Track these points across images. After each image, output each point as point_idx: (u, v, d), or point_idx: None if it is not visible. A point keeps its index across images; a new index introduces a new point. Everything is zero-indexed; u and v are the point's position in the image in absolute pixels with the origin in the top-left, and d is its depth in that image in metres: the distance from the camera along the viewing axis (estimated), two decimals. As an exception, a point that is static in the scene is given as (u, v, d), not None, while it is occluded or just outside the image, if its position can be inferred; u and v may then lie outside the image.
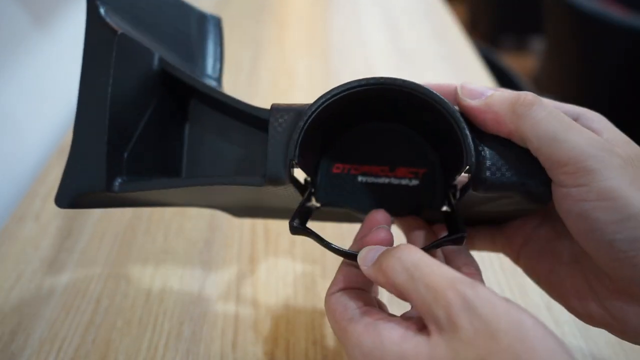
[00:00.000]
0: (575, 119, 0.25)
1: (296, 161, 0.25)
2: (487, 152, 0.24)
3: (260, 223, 0.45)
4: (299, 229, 0.25)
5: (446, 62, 0.72)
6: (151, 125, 0.29)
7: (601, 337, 0.36)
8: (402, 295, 0.22)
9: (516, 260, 0.30)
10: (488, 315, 0.19)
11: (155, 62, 0.29)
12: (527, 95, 0.23)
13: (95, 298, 0.38)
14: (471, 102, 0.25)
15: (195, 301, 0.38)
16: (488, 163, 0.24)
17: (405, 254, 0.22)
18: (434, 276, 0.20)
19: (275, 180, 0.25)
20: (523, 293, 0.39)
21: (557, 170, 0.22)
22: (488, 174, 0.24)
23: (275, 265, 0.41)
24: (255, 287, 0.40)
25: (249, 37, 0.78)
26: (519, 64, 1.79)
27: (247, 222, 0.45)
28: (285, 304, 0.38)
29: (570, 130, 0.22)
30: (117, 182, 0.27)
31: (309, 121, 0.25)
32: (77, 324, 0.37)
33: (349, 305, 0.24)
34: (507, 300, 0.20)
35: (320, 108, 0.25)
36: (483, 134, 0.24)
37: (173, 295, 0.39)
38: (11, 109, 0.52)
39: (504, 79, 0.76)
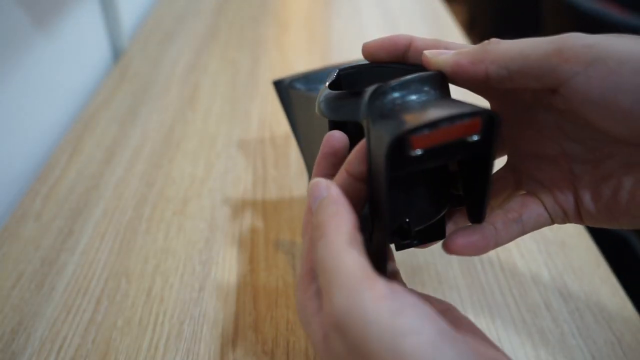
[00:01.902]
0: None
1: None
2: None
3: (260, 223, 0.45)
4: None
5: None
6: None
7: (600, 337, 0.36)
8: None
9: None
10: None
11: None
12: (492, 39, 0.25)
13: (96, 297, 0.39)
14: (443, 57, 0.26)
15: (196, 301, 0.38)
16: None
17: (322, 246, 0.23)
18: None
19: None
20: (522, 293, 0.39)
21: (559, 66, 0.23)
22: None
23: (276, 265, 0.41)
24: (255, 287, 0.40)
25: (249, 37, 0.78)
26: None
27: (247, 222, 0.45)
28: (286, 304, 0.38)
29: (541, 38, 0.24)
30: None
31: None
32: (77, 323, 0.37)
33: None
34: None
35: None
36: None
37: (173, 295, 0.39)
38: (12, 108, 0.52)
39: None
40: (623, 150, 0.25)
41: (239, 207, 0.47)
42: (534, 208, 0.28)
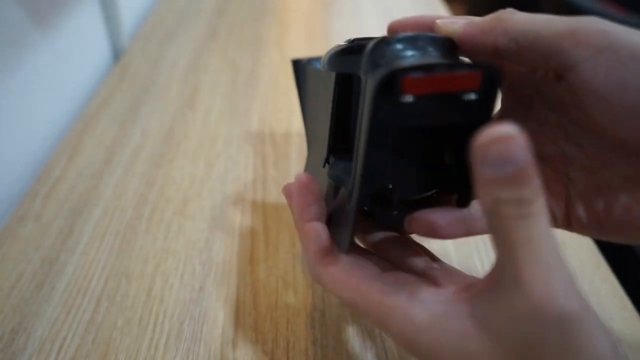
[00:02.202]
0: None
1: None
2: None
3: (260, 223, 0.45)
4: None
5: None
6: None
7: (600, 337, 0.36)
8: None
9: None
10: None
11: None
12: (508, 8, 0.24)
13: (96, 297, 0.39)
14: (454, 25, 0.25)
15: (196, 301, 0.38)
16: None
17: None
18: None
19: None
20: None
21: (570, 48, 0.22)
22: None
23: (276, 265, 0.41)
24: (255, 287, 0.40)
25: (249, 37, 0.78)
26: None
27: (247, 222, 0.45)
28: (285, 304, 0.38)
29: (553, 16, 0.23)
30: None
31: None
32: (77, 323, 0.37)
33: (365, 273, 0.24)
34: None
35: None
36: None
37: (173, 295, 0.39)
38: (11, 108, 0.52)
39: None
40: (623, 160, 0.24)
41: (239, 208, 0.47)
42: None
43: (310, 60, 0.43)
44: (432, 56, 0.23)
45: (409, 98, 0.20)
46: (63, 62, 0.63)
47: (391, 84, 0.20)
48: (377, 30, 0.81)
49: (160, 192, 0.49)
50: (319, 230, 0.26)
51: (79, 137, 0.56)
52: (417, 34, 0.24)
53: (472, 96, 0.21)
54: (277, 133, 0.57)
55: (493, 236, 0.20)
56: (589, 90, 0.22)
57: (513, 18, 0.23)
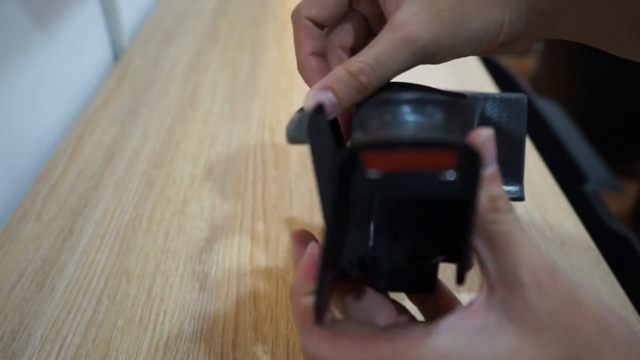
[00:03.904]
0: None
1: None
2: None
3: (260, 223, 0.45)
4: None
5: (446, 63, 0.72)
6: None
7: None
8: None
9: None
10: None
11: None
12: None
13: (96, 297, 0.39)
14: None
15: (196, 300, 0.38)
16: None
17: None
18: None
19: None
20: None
21: None
22: None
23: (276, 265, 0.41)
24: (255, 286, 0.40)
25: (249, 37, 0.78)
26: (518, 64, 1.79)
27: (247, 222, 0.45)
28: (285, 304, 0.38)
29: None
30: None
31: None
32: (78, 323, 0.37)
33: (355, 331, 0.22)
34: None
35: None
36: None
37: (173, 295, 0.39)
38: (12, 108, 0.52)
39: (503, 79, 0.76)
40: None
41: (239, 207, 0.47)
42: None
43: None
44: (423, 124, 0.22)
45: (373, 174, 0.19)
46: (63, 62, 0.63)
47: (353, 160, 0.19)
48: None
49: (160, 192, 0.49)
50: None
51: (79, 137, 0.56)
52: (403, 96, 0.22)
53: (450, 176, 0.19)
54: (277, 133, 0.57)
55: (487, 239, 0.21)
56: None
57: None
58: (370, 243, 0.24)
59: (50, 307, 0.38)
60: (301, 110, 0.27)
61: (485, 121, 0.29)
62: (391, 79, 0.25)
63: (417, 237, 0.24)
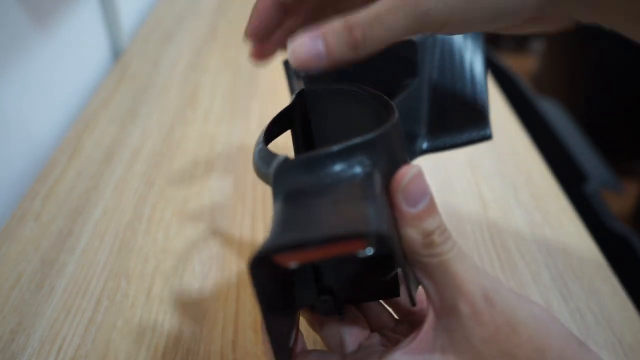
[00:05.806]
0: None
1: None
2: None
3: (260, 223, 0.45)
4: None
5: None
6: None
7: (601, 337, 0.36)
8: None
9: None
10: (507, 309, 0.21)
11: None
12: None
13: (96, 298, 0.39)
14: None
15: (196, 301, 0.38)
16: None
17: None
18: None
19: None
20: (523, 293, 0.39)
21: None
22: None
23: (275, 265, 0.41)
24: (255, 286, 0.40)
25: (249, 37, 0.78)
26: (518, 64, 1.79)
27: (247, 222, 0.45)
28: (285, 304, 0.38)
29: None
30: None
31: None
32: (77, 323, 0.37)
33: None
34: (517, 293, 0.22)
35: None
36: None
37: (173, 295, 0.39)
38: (12, 108, 0.52)
39: (504, 79, 0.76)
40: None
41: (239, 207, 0.47)
42: None
43: None
44: (353, 183, 0.21)
45: (293, 265, 0.19)
46: (63, 62, 0.63)
47: (267, 261, 0.19)
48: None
49: (160, 192, 0.49)
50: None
51: (79, 137, 0.56)
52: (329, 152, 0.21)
53: (368, 252, 0.19)
54: (277, 133, 0.57)
55: (425, 271, 0.22)
56: None
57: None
58: (316, 292, 0.26)
59: (49, 308, 0.38)
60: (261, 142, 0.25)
61: (442, 63, 0.30)
62: (387, 43, 0.23)
63: (354, 281, 0.26)
